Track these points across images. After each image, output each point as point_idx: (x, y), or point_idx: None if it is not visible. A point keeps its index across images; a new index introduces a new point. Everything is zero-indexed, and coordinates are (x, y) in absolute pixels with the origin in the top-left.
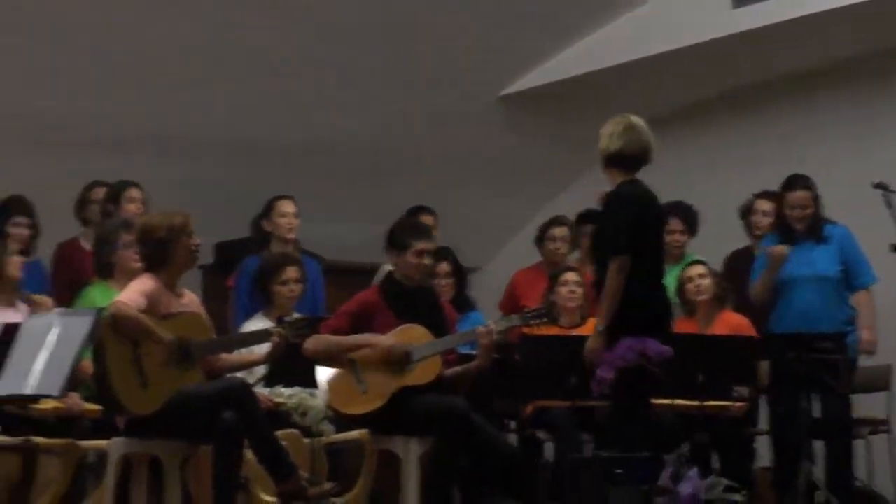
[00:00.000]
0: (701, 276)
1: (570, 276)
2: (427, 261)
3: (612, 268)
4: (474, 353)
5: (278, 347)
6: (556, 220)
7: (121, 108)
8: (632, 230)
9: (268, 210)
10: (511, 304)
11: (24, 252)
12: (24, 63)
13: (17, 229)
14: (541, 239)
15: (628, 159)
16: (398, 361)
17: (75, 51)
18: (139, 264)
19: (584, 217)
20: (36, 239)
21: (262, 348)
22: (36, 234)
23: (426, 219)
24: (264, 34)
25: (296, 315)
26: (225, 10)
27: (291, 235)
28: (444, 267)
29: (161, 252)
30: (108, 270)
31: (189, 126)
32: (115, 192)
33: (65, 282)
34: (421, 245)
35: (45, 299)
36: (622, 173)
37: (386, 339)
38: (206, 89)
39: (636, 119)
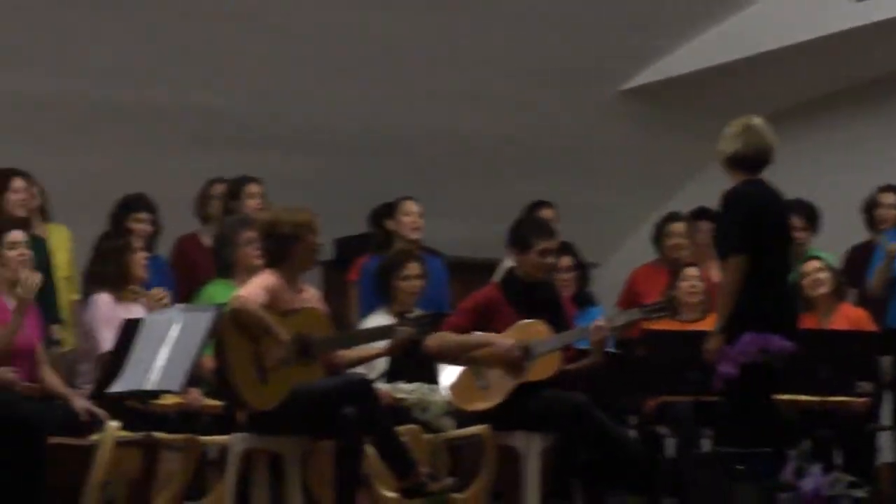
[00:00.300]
0: (817, 270)
1: (692, 272)
2: (550, 259)
3: (727, 267)
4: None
5: (401, 344)
6: (671, 217)
7: (244, 103)
8: (745, 230)
9: (392, 209)
10: (630, 300)
11: (146, 248)
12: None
13: (140, 225)
14: (658, 236)
15: (746, 160)
16: (518, 358)
17: (201, 45)
18: (260, 261)
19: (700, 214)
20: (157, 235)
21: (380, 343)
22: (157, 231)
23: (546, 213)
24: (394, 29)
25: (418, 311)
26: (357, 3)
27: (416, 236)
28: (565, 261)
29: (284, 249)
30: (228, 268)
31: (311, 122)
32: (235, 188)
33: (183, 276)
34: (544, 244)
35: (159, 293)
36: (742, 174)
37: (506, 340)
38: (329, 85)
39: (756, 120)
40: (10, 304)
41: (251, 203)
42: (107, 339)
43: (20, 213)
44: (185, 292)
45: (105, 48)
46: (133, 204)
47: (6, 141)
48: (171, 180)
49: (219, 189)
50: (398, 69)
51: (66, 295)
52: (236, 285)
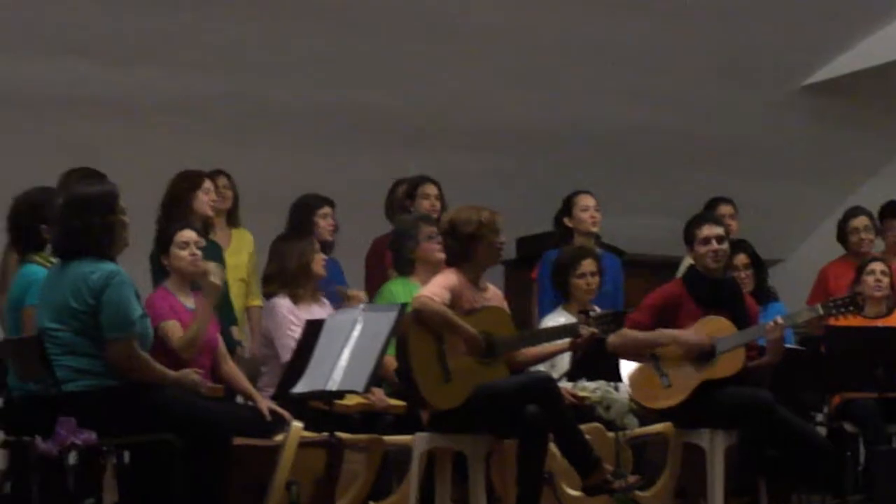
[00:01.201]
0: None
1: (877, 266)
2: (716, 245)
3: None
4: None
5: (585, 342)
6: (853, 212)
7: (427, 104)
8: None
9: (568, 205)
10: (821, 296)
11: (327, 248)
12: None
13: (326, 220)
14: (842, 232)
15: None
16: (702, 355)
17: (391, 44)
18: (441, 255)
19: (889, 209)
20: (335, 233)
21: (562, 340)
22: (336, 229)
23: (724, 209)
24: (569, 28)
25: (596, 309)
26: (529, 3)
27: (595, 229)
28: (741, 258)
29: (466, 247)
30: (408, 266)
31: (495, 120)
32: (412, 188)
33: (376, 277)
34: (705, 231)
35: (360, 294)
36: None
37: (689, 335)
38: (512, 83)
39: None
40: (186, 303)
41: (425, 204)
42: (287, 342)
43: (208, 212)
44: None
45: (282, 49)
46: (312, 204)
47: (199, 142)
48: (349, 181)
49: (402, 190)
50: (576, 68)
51: (241, 298)
52: (417, 283)
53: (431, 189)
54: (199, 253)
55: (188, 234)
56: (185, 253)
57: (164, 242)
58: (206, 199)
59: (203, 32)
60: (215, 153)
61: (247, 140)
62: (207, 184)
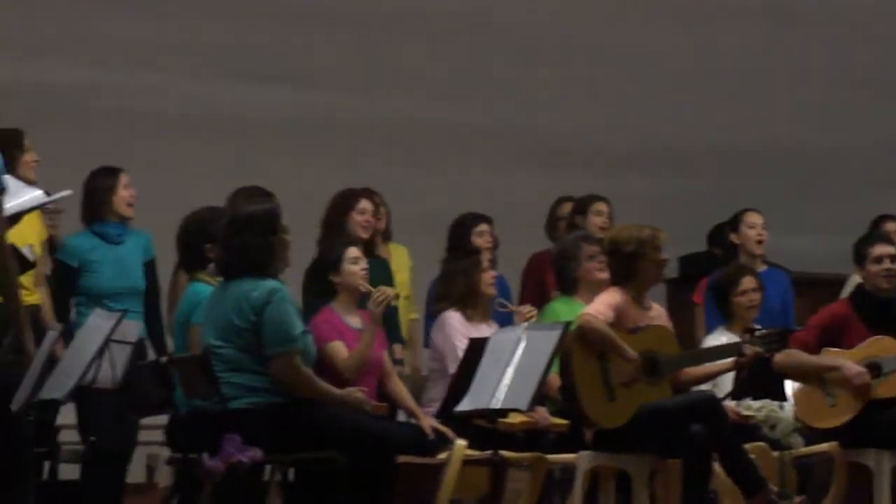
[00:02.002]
0: None
1: None
2: (889, 265)
3: None
4: None
5: (749, 361)
6: None
7: (592, 122)
8: None
9: (735, 222)
10: None
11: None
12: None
13: (483, 238)
14: None
15: None
16: (866, 385)
17: (554, 68)
18: (603, 275)
19: None
20: (496, 250)
21: (726, 359)
22: (496, 245)
23: (890, 226)
24: (732, 45)
25: (760, 328)
26: (701, 21)
27: (760, 250)
28: None
29: (629, 266)
30: (571, 285)
31: (656, 139)
32: (583, 206)
33: (533, 294)
34: (877, 250)
35: (524, 308)
36: None
37: (854, 365)
38: (674, 101)
39: None
40: (351, 322)
41: (597, 221)
42: (457, 356)
43: (363, 234)
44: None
45: (441, 70)
46: (468, 222)
47: (353, 163)
48: (516, 200)
49: (566, 208)
50: (738, 86)
51: (406, 315)
52: (580, 302)
53: (603, 207)
54: (367, 269)
55: (356, 251)
56: (356, 268)
57: (332, 261)
58: (360, 220)
59: (375, 55)
60: (375, 172)
61: (405, 160)
62: (363, 204)
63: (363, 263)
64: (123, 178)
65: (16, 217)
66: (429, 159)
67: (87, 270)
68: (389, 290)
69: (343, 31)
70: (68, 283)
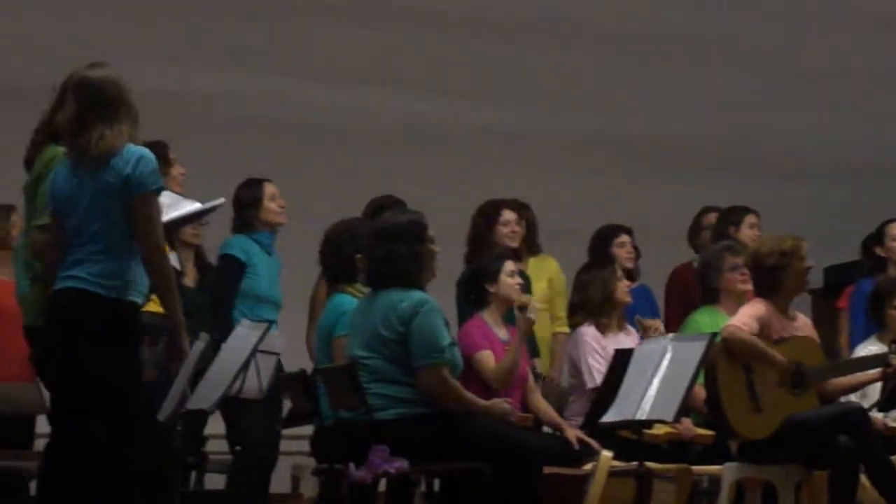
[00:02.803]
0: None
1: None
2: None
3: None
4: None
5: (894, 372)
6: None
7: (736, 131)
8: None
9: (880, 234)
10: None
11: (631, 275)
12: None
13: (623, 249)
14: None
15: None
16: None
17: (699, 76)
18: (746, 286)
19: None
20: (638, 261)
21: (872, 370)
22: (638, 256)
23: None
24: (880, 54)
25: None
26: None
27: None
28: None
29: (772, 278)
30: (714, 295)
31: (801, 148)
32: (737, 217)
33: (677, 305)
34: None
35: (656, 323)
36: None
37: None
38: (819, 112)
39: None
40: (499, 333)
41: (749, 233)
42: (594, 371)
43: (510, 243)
44: (678, 321)
45: (583, 81)
46: (608, 234)
47: (498, 174)
48: (655, 210)
49: (710, 218)
50: (885, 95)
51: (542, 327)
52: (723, 313)
53: (755, 219)
54: (522, 282)
55: (514, 265)
56: (513, 281)
57: (490, 271)
58: (505, 230)
59: (519, 65)
60: (520, 182)
61: (549, 168)
62: (507, 214)
63: (518, 278)
64: (269, 189)
65: (176, 227)
66: (570, 170)
67: (250, 272)
68: (536, 304)
69: (494, 41)
70: (235, 277)
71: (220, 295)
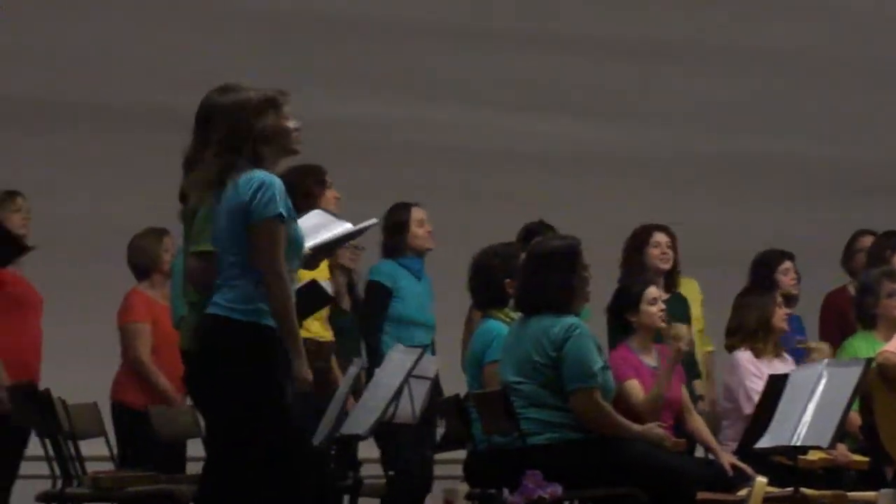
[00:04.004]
0: None
1: None
2: None
3: None
4: None
5: None
6: None
7: (889, 153)
8: None
9: None
10: None
11: (791, 301)
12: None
13: (787, 276)
14: None
15: None
16: None
17: (845, 96)
18: None
19: None
20: (798, 285)
21: None
22: (798, 281)
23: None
24: None
25: None
26: None
27: None
28: None
29: None
30: (870, 321)
31: None
32: (889, 241)
33: (831, 331)
34: None
35: (822, 345)
36: None
37: None
38: None
39: None
40: (647, 361)
41: None
42: (753, 394)
43: (662, 266)
44: (834, 347)
45: (732, 102)
46: (771, 260)
47: (648, 197)
48: (808, 232)
49: (865, 242)
50: None
51: (701, 347)
52: (879, 339)
53: None
54: (665, 308)
55: (655, 291)
56: (654, 309)
57: (630, 299)
58: (656, 253)
59: (664, 87)
60: (669, 206)
61: (696, 192)
62: (657, 237)
63: (661, 304)
64: (417, 214)
65: (328, 250)
66: (721, 192)
67: (398, 296)
68: (685, 331)
69: (638, 64)
70: (381, 303)
71: (367, 321)
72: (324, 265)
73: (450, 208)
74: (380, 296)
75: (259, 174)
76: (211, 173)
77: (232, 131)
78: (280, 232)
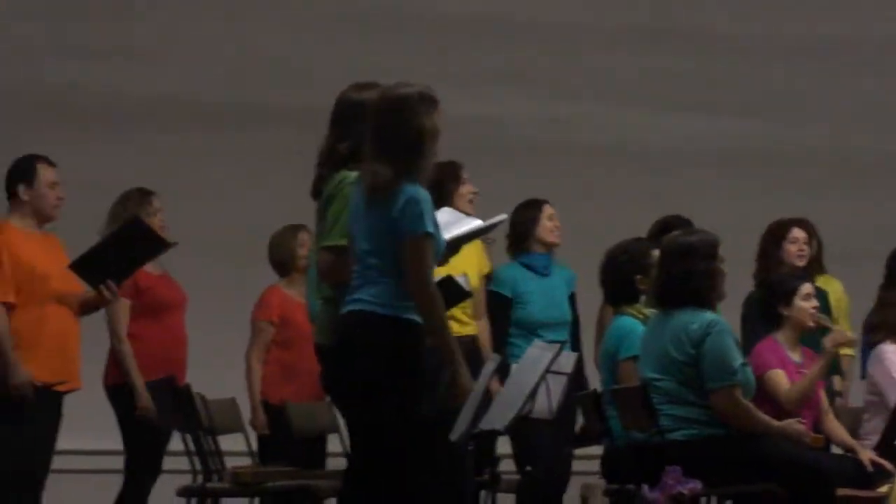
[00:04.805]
0: None
1: None
2: None
3: None
4: None
5: None
6: None
7: None
8: None
9: None
10: None
11: None
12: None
13: None
14: None
15: None
16: None
17: None
18: None
19: None
20: None
21: None
22: None
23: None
24: None
25: None
26: None
27: None
28: None
29: None
30: None
31: None
32: None
33: None
34: None
35: None
36: None
37: None
38: None
39: None
40: (793, 356)
41: None
42: (894, 391)
43: (798, 262)
44: None
45: (868, 96)
46: None
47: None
48: None
49: None
50: None
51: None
52: None
53: None
54: (818, 304)
55: (810, 288)
56: (807, 305)
57: (784, 293)
58: (793, 249)
59: (788, 83)
60: (804, 202)
61: (831, 190)
62: (795, 233)
63: (815, 301)
64: (547, 209)
65: (455, 247)
66: (855, 188)
67: (519, 302)
68: (848, 334)
69: (764, 62)
70: (502, 313)
71: (493, 330)
72: (466, 260)
73: (577, 206)
74: (501, 306)
75: (411, 188)
76: (367, 175)
77: (395, 129)
78: (428, 249)
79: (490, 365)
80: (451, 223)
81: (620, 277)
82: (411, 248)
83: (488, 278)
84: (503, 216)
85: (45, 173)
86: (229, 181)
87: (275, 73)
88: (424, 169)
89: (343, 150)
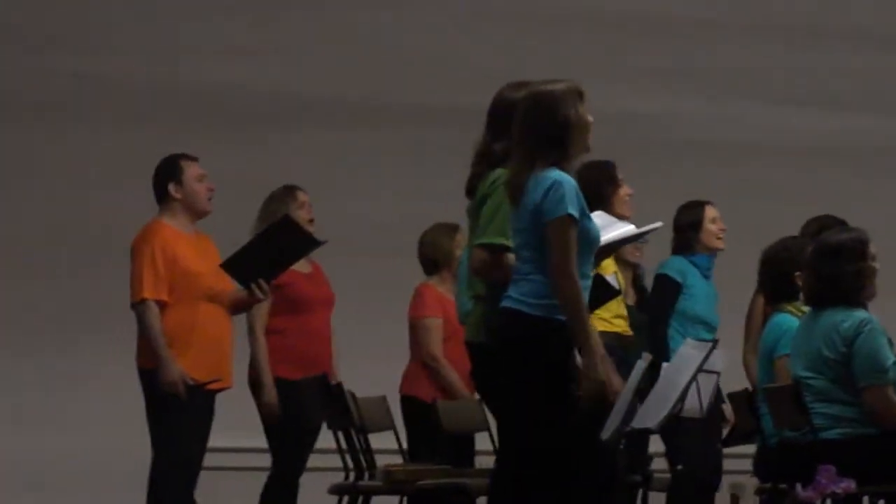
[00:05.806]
0: None
1: None
2: None
3: None
4: None
5: None
6: None
7: None
8: None
9: None
10: None
11: None
12: None
13: None
14: None
15: None
16: None
17: None
18: None
19: None
20: None
21: None
22: None
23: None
24: None
25: None
26: None
27: None
28: None
29: None
30: None
31: None
32: None
33: None
34: None
35: None
36: None
37: None
38: None
39: None
40: None
41: None
42: None
43: None
44: None
45: None
46: None
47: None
48: None
49: None
50: None
51: None
52: None
53: None
54: None
55: None
56: None
57: None
58: None
59: None
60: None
61: None
62: None
63: None
64: (710, 212)
65: (610, 250)
66: None
67: (685, 293)
68: None
69: None
70: (670, 297)
71: (655, 314)
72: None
73: (733, 205)
74: (669, 289)
75: (553, 173)
76: (511, 169)
77: (538, 123)
78: (570, 231)
79: (641, 363)
80: (604, 227)
81: (779, 275)
82: (552, 230)
83: (634, 274)
84: (658, 224)
85: (190, 168)
86: (380, 179)
87: (422, 74)
88: (571, 158)
89: (498, 149)
